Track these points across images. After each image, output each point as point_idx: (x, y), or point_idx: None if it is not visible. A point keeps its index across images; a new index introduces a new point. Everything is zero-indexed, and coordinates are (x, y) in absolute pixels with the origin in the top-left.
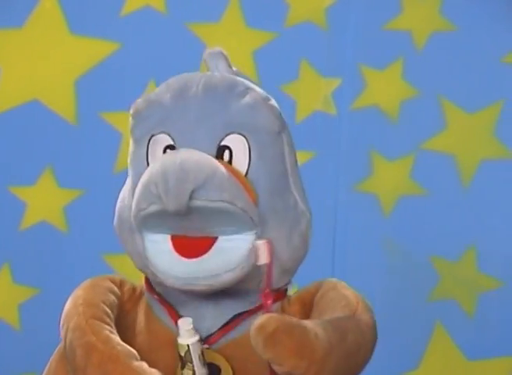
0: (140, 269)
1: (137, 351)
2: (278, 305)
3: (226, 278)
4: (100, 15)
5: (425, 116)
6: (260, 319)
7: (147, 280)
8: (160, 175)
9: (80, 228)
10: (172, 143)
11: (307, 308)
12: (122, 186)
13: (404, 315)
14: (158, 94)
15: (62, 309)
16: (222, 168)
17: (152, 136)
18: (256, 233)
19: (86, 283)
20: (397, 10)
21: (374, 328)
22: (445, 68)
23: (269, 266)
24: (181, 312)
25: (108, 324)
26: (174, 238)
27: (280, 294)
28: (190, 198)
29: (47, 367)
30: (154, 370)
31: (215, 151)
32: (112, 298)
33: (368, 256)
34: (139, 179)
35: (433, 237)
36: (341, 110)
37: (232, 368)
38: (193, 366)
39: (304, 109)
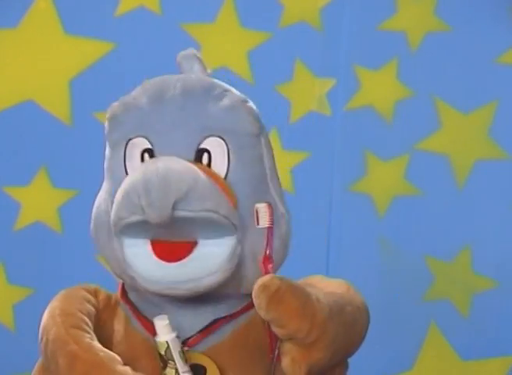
0: (118, 276)
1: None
2: (253, 311)
3: (207, 282)
4: (94, 15)
5: (420, 116)
6: (262, 279)
7: (122, 289)
8: (141, 185)
9: (75, 228)
10: (149, 146)
11: None
12: None
13: (398, 315)
14: (134, 97)
15: None
16: (203, 176)
17: (130, 140)
18: (237, 237)
19: (60, 294)
20: (392, 10)
21: (366, 307)
22: (439, 68)
23: (269, 229)
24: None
25: (88, 332)
26: (154, 243)
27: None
28: (173, 208)
29: None
30: (138, 374)
31: (193, 155)
32: (89, 306)
33: (362, 256)
34: (117, 184)
35: (427, 238)
36: (335, 110)
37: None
38: (175, 364)
39: (299, 110)
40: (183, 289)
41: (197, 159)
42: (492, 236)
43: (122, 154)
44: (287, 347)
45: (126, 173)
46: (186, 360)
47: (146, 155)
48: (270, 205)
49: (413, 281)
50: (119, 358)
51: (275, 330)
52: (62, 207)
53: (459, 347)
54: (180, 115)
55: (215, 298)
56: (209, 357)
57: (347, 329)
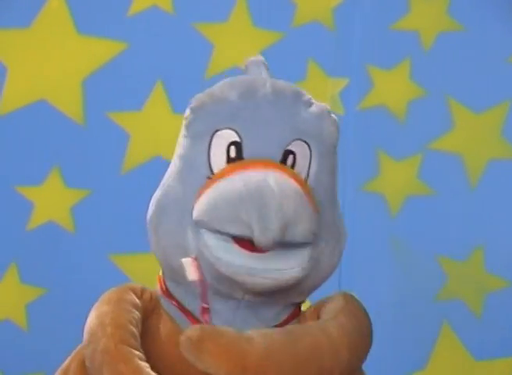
0: (173, 266)
1: (163, 361)
2: (295, 322)
3: (290, 274)
4: (107, 15)
5: (433, 115)
6: (187, 330)
7: (164, 285)
8: (256, 206)
9: (88, 228)
10: (237, 140)
11: None
12: (130, 186)
13: (411, 315)
14: (223, 91)
15: (70, 309)
16: (306, 199)
17: (216, 131)
18: (314, 243)
19: (110, 296)
20: (405, 10)
21: (352, 331)
22: (452, 68)
23: (200, 281)
24: None
25: (137, 348)
26: (236, 239)
27: (297, 310)
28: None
29: (61, 372)
30: None
31: (281, 154)
32: (137, 314)
33: (374, 256)
34: (196, 174)
35: (440, 237)
36: (348, 110)
37: None
38: None
39: None
40: (270, 278)
41: (283, 160)
42: (504, 236)
43: (207, 144)
44: None
45: (209, 164)
46: None
47: (232, 148)
48: (196, 259)
49: (425, 281)
50: None
51: None
52: (74, 207)
53: (472, 347)
54: (273, 113)
55: (266, 305)
56: None
57: (304, 361)
